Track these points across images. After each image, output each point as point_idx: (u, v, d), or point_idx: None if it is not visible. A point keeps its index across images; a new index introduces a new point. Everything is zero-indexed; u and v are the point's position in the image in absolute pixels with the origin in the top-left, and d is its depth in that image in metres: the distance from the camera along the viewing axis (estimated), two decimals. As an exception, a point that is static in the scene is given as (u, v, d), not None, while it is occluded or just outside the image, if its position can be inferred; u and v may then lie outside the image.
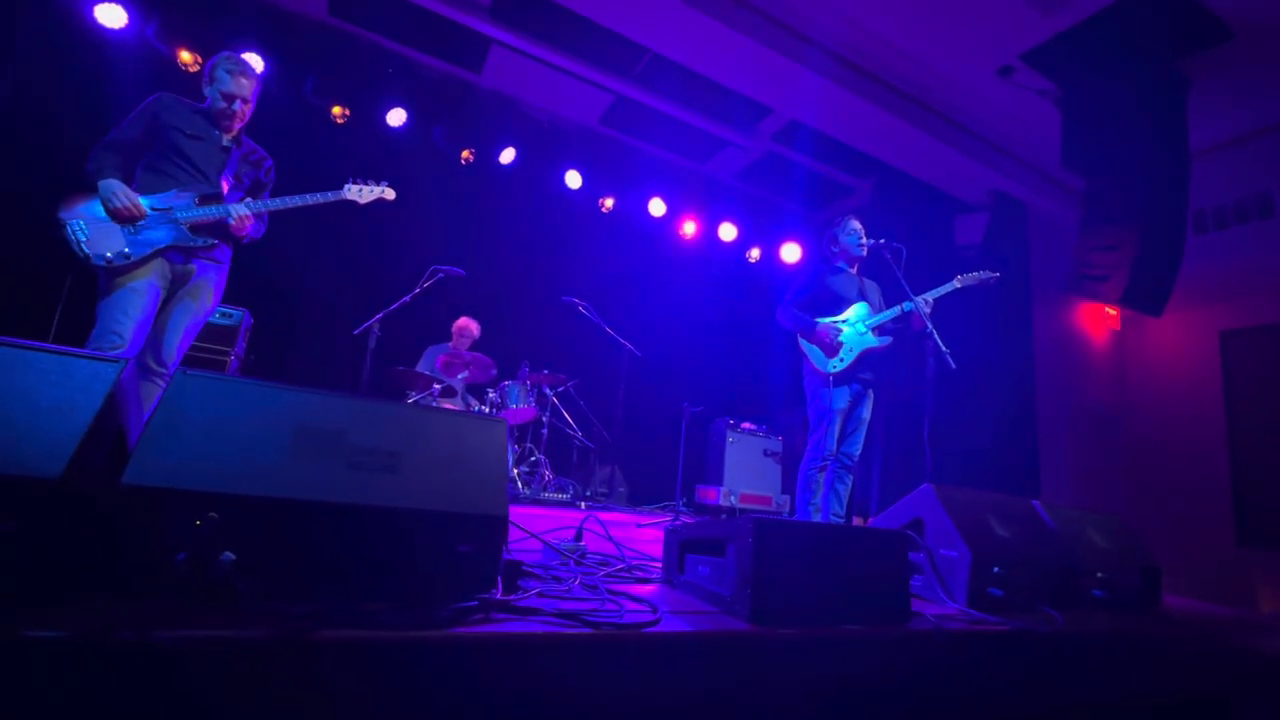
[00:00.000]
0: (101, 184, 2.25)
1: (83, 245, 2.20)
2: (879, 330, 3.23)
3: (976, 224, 5.58)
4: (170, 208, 2.35)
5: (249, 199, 2.59)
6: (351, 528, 1.02)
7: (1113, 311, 5.89)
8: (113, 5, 4.17)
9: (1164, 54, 3.96)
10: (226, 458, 1.00)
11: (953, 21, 4.19)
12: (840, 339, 3.20)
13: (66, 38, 4.24)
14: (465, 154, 5.39)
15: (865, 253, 3.42)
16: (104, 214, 2.24)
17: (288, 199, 2.56)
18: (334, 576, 1.03)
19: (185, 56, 4.44)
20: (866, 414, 3.25)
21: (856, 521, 5.01)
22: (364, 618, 0.92)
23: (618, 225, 6.32)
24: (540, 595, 1.18)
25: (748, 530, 1.27)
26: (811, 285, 3.44)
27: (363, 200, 2.84)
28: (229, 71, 2.51)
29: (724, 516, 3.54)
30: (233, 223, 2.44)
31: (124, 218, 2.25)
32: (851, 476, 3.21)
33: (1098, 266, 3.93)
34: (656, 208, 6.12)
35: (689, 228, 6.44)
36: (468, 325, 4.98)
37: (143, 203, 2.29)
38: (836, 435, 3.15)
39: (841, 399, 3.16)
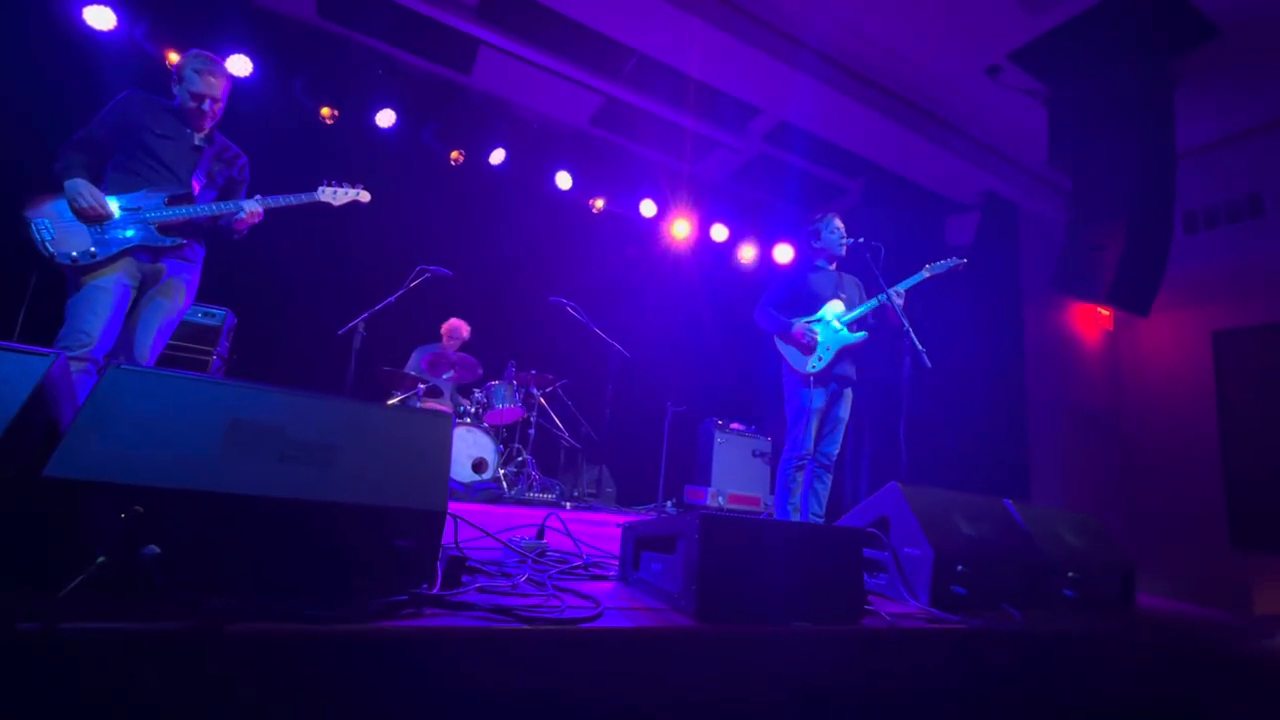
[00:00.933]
0: (68, 183, 2.24)
1: (47, 244, 2.19)
2: (855, 325, 3.21)
3: (967, 224, 5.56)
4: (139, 208, 2.34)
5: (227, 198, 2.58)
6: (282, 522, 1.02)
7: (1105, 311, 5.86)
8: (102, 7, 4.19)
9: (1151, 53, 3.94)
10: (156, 451, 0.99)
11: (940, 21, 4.18)
12: (816, 338, 3.19)
13: (55, 40, 4.26)
14: (455, 155, 5.40)
15: (845, 251, 3.41)
16: (70, 213, 2.23)
17: (271, 198, 2.58)
18: (266, 571, 1.02)
19: (174, 58, 4.44)
20: (844, 413, 3.24)
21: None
22: (286, 611, 0.91)
23: (608, 226, 6.32)
24: (480, 590, 1.18)
25: (695, 526, 1.26)
26: (789, 285, 3.44)
27: (336, 202, 2.84)
28: (197, 71, 2.49)
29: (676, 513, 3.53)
30: (243, 217, 2.49)
31: (90, 217, 2.24)
32: (830, 476, 3.19)
33: (1084, 266, 3.91)
34: (648, 209, 6.12)
35: (680, 229, 6.44)
36: (457, 326, 4.98)
37: (110, 202, 2.28)
38: (814, 434, 3.15)
39: (819, 399, 3.16)
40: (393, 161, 5.24)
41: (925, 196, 5.59)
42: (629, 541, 1.56)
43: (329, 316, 4.30)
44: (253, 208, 2.51)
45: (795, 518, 3.09)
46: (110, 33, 4.30)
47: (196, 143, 2.52)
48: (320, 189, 2.80)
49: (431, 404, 4.47)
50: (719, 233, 6.52)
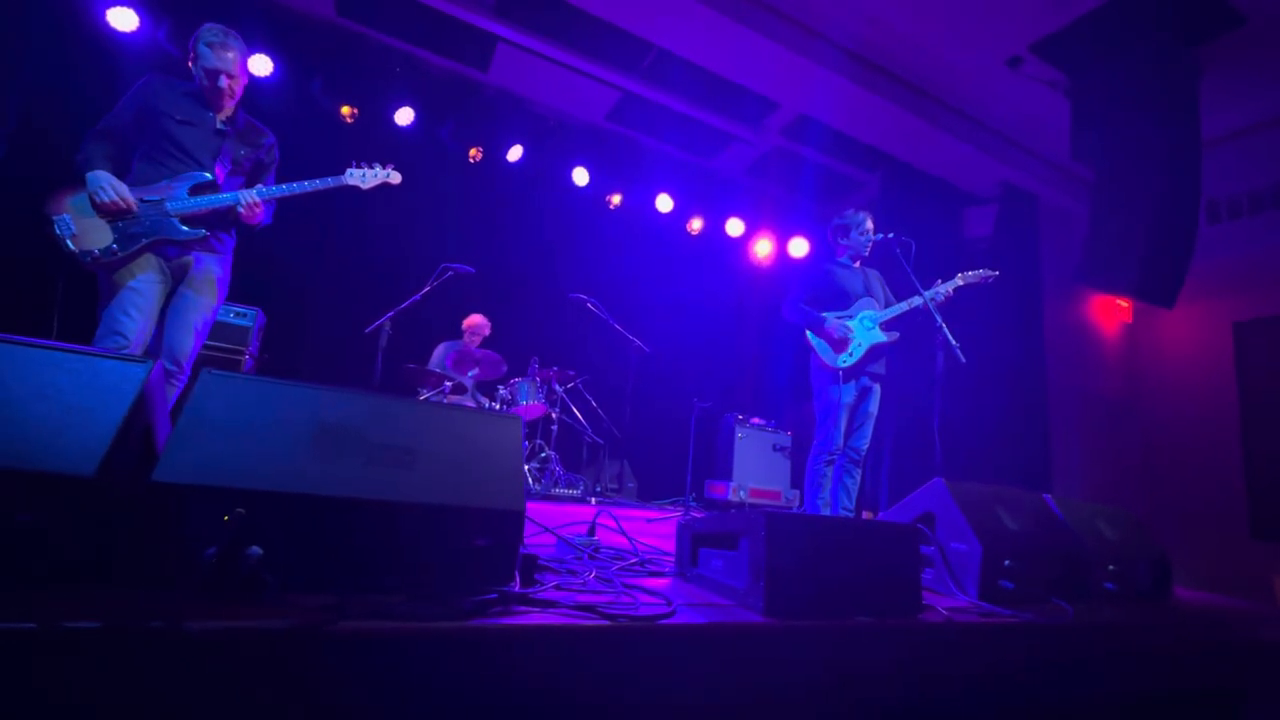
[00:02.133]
0: (90, 176, 2.15)
1: (68, 242, 2.11)
2: (886, 325, 3.23)
3: (986, 216, 5.55)
4: (161, 199, 2.24)
5: (260, 185, 2.48)
6: (371, 522, 1.05)
7: (1124, 303, 5.84)
8: (124, 9, 4.21)
9: (1174, 42, 3.92)
10: (251, 455, 1.02)
11: (961, 12, 4.16)
12: (850, 334, 3.20)
13: (79, 41, 4.29)
14: (473, 152, 5.42)
15: (869, 252, 3.45)
16: (91, 208, 2.14)
17: (290, 185, 2.45)
18: (355, 570, 1.05)
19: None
20: (874, 408, 3.25)
21: (866, 515, 5.02)
22: (383, 609, 0.94)
23: (625, 221, 6.32)
24: (557, 588, 1.21)
25: (760, 524, 1.28)
26: (817, 280, 3.44)
27: (365, 185, 2.68)
28: (209, 45, 2.34)
29: (734, 511, 3.56)
30: (243, 211, 2.33)
31: (111, 211, 2.15)
32: (860, 470, 3.21)
33: (1108, 258, 3.90)
34: (664, 204, 6.12)
35: (696, 223, 6.44)
36: (479, 322, 5.01)
37: (131, 196, 2.19)
38: (843, 429, 3.16)
39: (849, 394, 3.17)
40: (412, 160, 5.21)
41: (943, 189, 5.58)
42: (685, 538, 1.59)
43: (354, 315, 4.34)
44: (248, 198, 2.33)
45: (825, 513, 3.11)
46: (133, 34, 4.32)
47: (218, 126, 2.40)
48: (348, 172, 2.65)
49: (456, 401, 4.51)
50: (735, 227, 6.52)
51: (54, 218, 2.14)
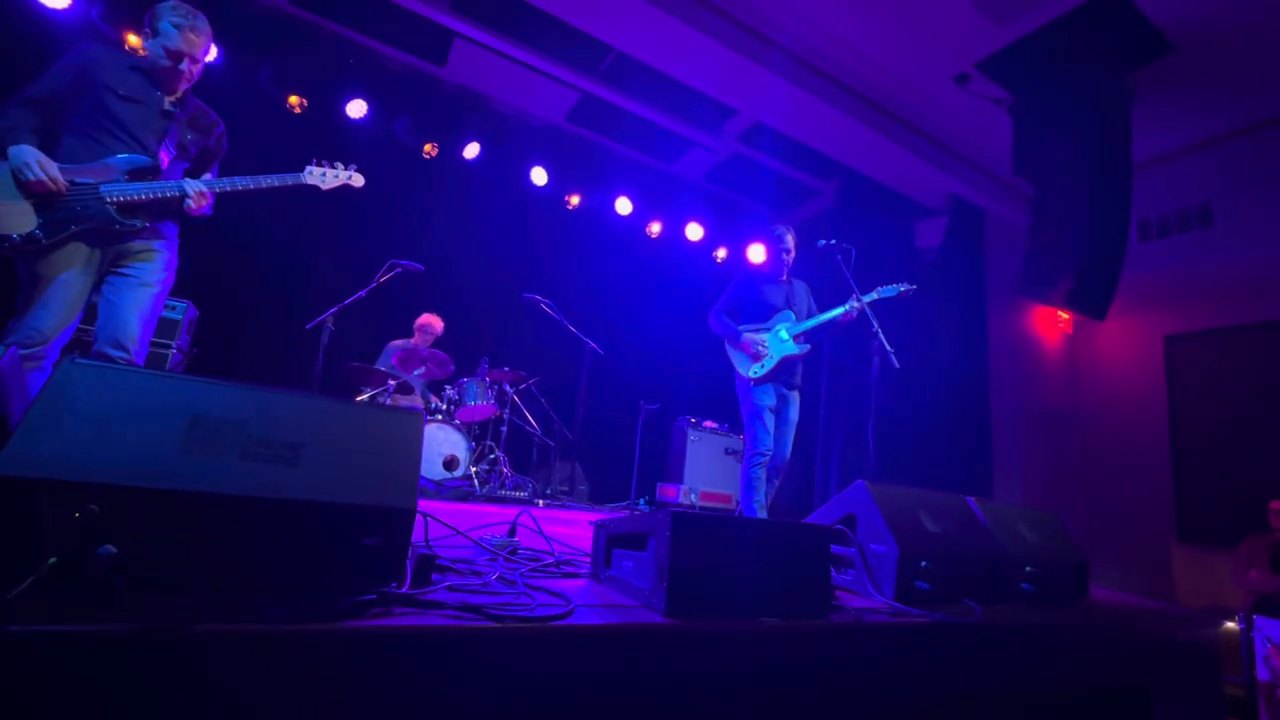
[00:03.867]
0: (12, 150, 1.93)
1: None
2: (802, 337, 3.39)
3: (936, 228, 5.70)
4: (95, 182, 2.04)
5: (207, 175, 2.31)
6: (244, 520, 1.00)
7: (1065, 315, 6.06)
8: (54, -16, 4.02)
9: (1109, 65, 4.09)
10: (112, 449, 0.96)
11: (911, 28, 4.27)
12: (762, 348, 3.36)
13: (7, 20, 4.08)
14: (428, 148, 5.33)
15: (789, 264, 3.65)
16: (13, 187, 1.93)
17: (241, 179, 2.28)
18: (229, 571, 1.00)
19: (133, 40, 4.29)
20: (793, 415, 3.40)
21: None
22: (249, 611, 0.90)
23: (584, 223, 6.30)
24: (450, 589, 1.17)
25: (666, 523, 1.27)
26: (739, 292, 3.63)
27: (325, 185, 2.53)
28: (177, 26, 2.17)
29: (648, 511, 3.58)
30: (191, 203, 2.16)
31: (37, 191, 1.94)
32: (779, 476, 3.34)
33: (1044, 270, 4.04)
34: (623, 206, 6.12)
35: (655, 227, 6.46)
36: (430, 322, 4.92)
37: (62, 176, 1.98)
38: (771, 430, 3.28)
39: (768, 396, 3.32)
40: (364, 153, 5.09)
41: (896, 200, 5.71)
42: (601, 539, 1.57)
43: (296, 310, 4.21)
44: (196, 188, 2.15)
45: (762, 514, 3.16)
46: (64, 12, 4.13)
47: (167, 107, 2.21)
48: (307, 170, 2.49)
49: (402, 400, 4.41)
50: (694, 231, 6.56)
51: None
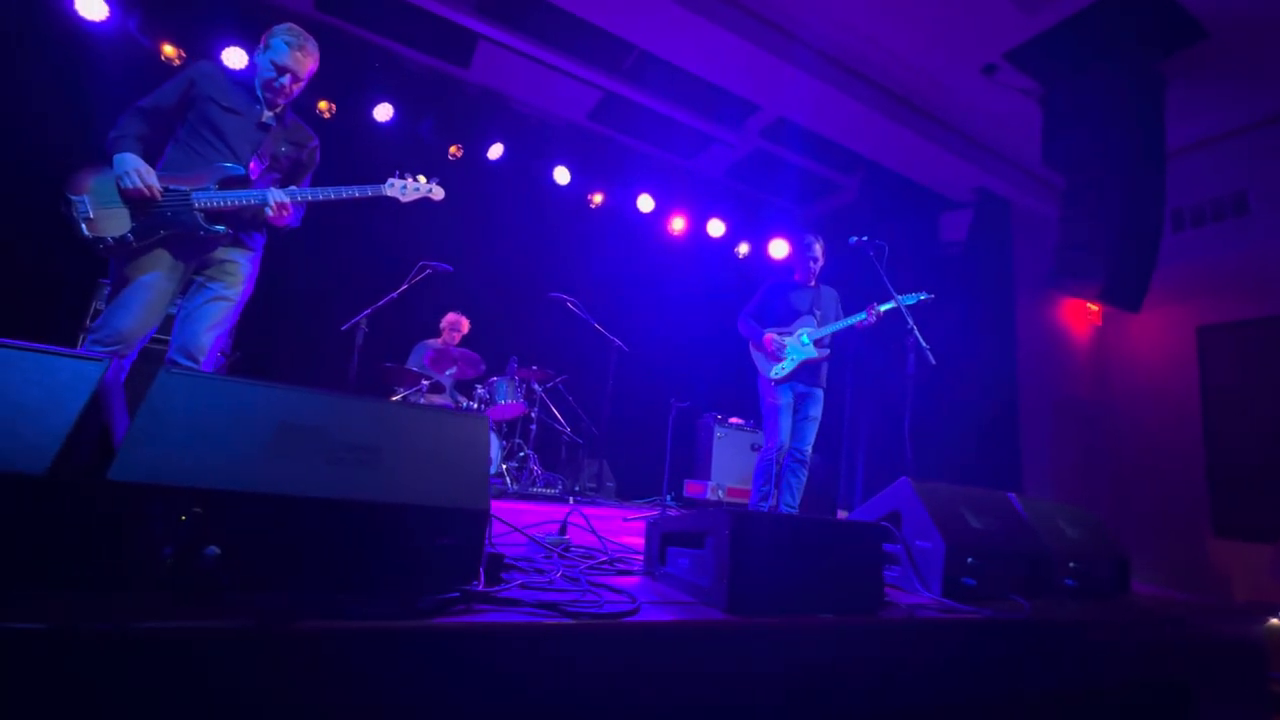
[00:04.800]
0: (117, 157, 2.05)
1: (82, 226, 2.01)
2: (822, 343, 3.53)
3: (961, 221, 5.65)
4: (188, 190, 2.13)
5: (292, 185, 2.38)
6: (332, 522, 1.05)
7: (1094, 307, 5.98)
8: (93, -2, 4.12)
9: (1142, 53, 4.02)
10: (210, 454, 1.01)
11: (938, 20, 4.23)
12: (783, 349, 3.51)
13: (47, 31, 4.19)
14: (453, 149, 5.39)
15: (816, 271, 3.75)
16: (115, 191, 2.04)
17: (323, 190, 2.35)
18: (316, 570, 1.05)
19: (169, 50, 4.40)
20: (815, 412, 3.53)
21: (840, 514, 5.08)
22: (343, 609, 0.94)
23: (606, 221, 6.33)
24: (522, 587, 1.21)
25: (725, 522, 1.30)
26: (766, 297, 3.78)
27: (405, 198, 2.59)
28: (288, 43, 2.31)
29: (703, 510, 3.66)
30: (271, 211, 2.22)
31: (134, 198, 2.05)
32: (805, 470, 3.46)
33: (1076, 263, 4.00)
34: (645, 204, 6.14)
35: (677, 224, 6.47)
36: (457, 320, 4.99)
37: (158, 184, 2.09)
38: (787, 428, 3.44)
39: (785, 395, 3.48)
40: (391, 156, 5.20)
41: (920, 193, 5.67)
42: (654, 537, 1.60)
43: (329, 312, 4.29)
44: (277, 198, 2.21)
45: (763, 506, 3.26)
46: (102, 24, 4.24)
47: (264, 120, 2.32)
48: (389, 182, 2.53)
49: (434, 400, 4.48)
50: (715, 228, 6.56)
51: (72, 198, 2.03)
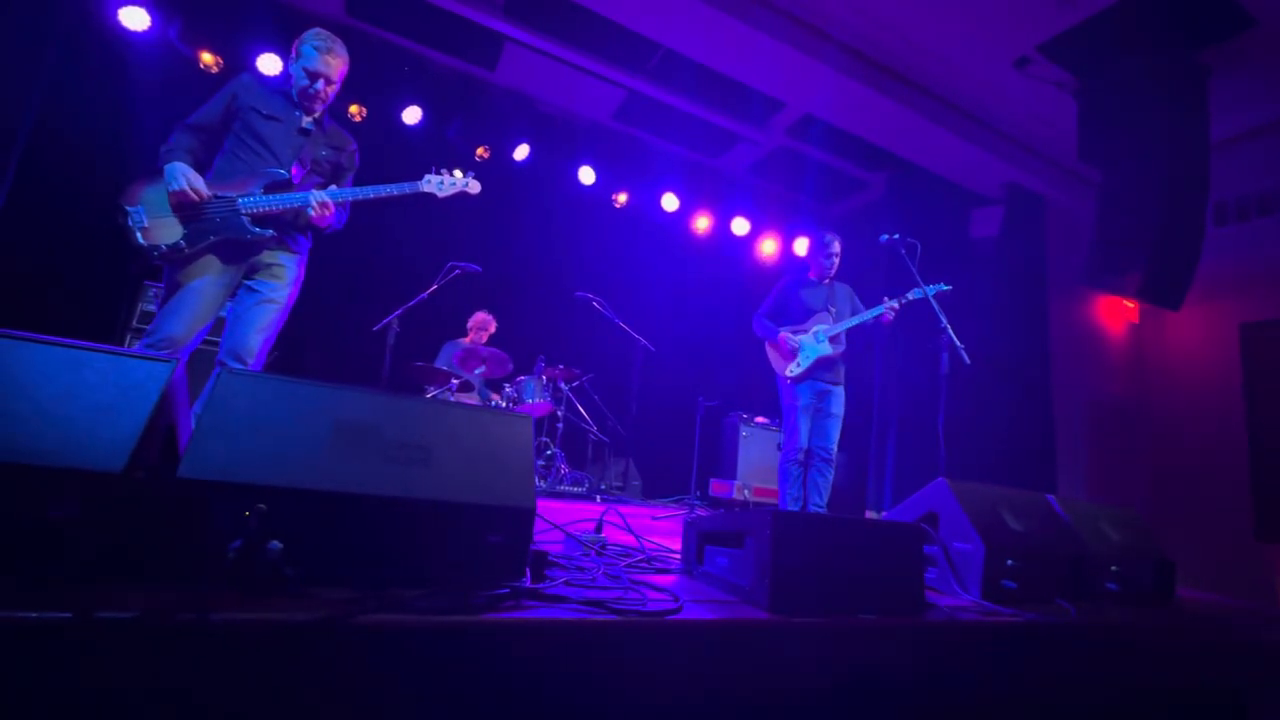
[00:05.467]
0: (168, 167, 2.14)
1: (137, 234, 2.10)
2: (838, 339, 3.52)
3: (992, 217, 5.54)
4: (234, 196, 2.21)
5: (332, 185, 2.44)
6: (388, 518, 1.08)
7: (1130, 304, 5.83)
8: (136, 8, 4.25)
9: (1183, 43, 3.91)
10: (271, 452, 1.05)
11: (969, 13, 4.16)
12: (798, 347, 3.49)
13: (93, 40, 4.34)
14: (480, 151, 5.45)
15: (833, 269, 3.74)
16: (165, 202, 2.14)
17: (363, 190, 2.40)
18: (371, 564, 1.08)
19: (207, 58, 4.52)
20: (836, 409, 3.50)
21: (869, 514, 5.04)
22: (400, 603, 0.97)
23: (631, 220, 6.35)
24: (567, 584, 1.23)
25: (766, 523, 1.31)
26: (781, 295, 3.77)
27: (442, 194, 2.62)
28: (316, 48, 2.37)
29: (739, 510, 3.64)
30: (313, 212, 2.28)
31: (183, 202, 2.14)
32: (831, 469, 3.43)
33: (1115, 260, 3.90)
34: (670, 203, 6.14)
35: (702, 222, 6.46)
36: (485, 320, 5.05)
37: (205, 189, 2.17)
38: (806, 430, 3.43)
39: (804, 396, 3.46)
40: (419, 158, 5.23)
41: (949, 189, 5.58)
42: (691, 536, 1.61)
43: (362, 313, 4.38)
44: (319, 198, 2.27)
45: (794, 508, 3.23)
46: (144, 33, 4.37)
47: (304, 125, 2.39)
48: (426, 178, 2.57)
49: (463, 399, 4.54)
50: (740, 226, 6.54)
51: (128, 209, 2.13)
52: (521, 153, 5.48)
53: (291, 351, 4.55)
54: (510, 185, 5.82)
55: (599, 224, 6.24)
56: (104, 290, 4.28)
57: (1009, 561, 1.75)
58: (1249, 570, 5.08)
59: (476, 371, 4.64)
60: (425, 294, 4.13)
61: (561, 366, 4.78)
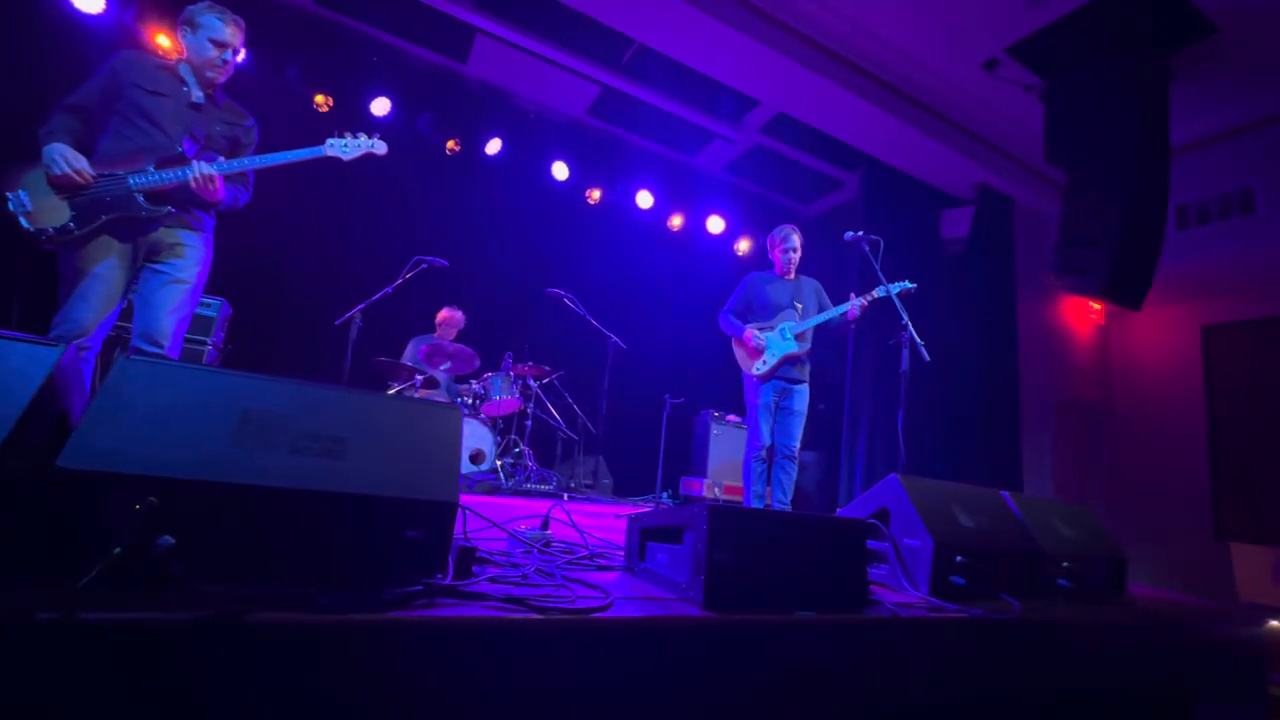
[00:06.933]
0: (45, 149, 2.06)
1: (22, 219, 2.02)
2: (804, 336, 3.51)
3: (962, 217, 5.59)
4: (124, 174, 2.12)
5: (215, 161, 2.33)
6: (295, 512, 1.02)
7: (1097, 306, 5.92)
8: (90, -11, 4.11)
9: (1147, 48, 3.97)
10: (169, 442, 0.99)
11: (939, 13, 4.19)
12: (764, 344, 3.47)
13: (42, 22, 4.18)
14: (451, 144, 5.37)
15: (795, 263, 3.75)
16: (48, 184, 2.05)
17: (259, 158, 2.32)
18: (279, 562, 1.02)
19: (165, 43, 4.39)
20: (800, 406, 3.50)
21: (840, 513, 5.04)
22: (301, 600, 0.92)
23: (605, 217, 6.30)
24: (491, 581, 1.19)
25: (703, 517, 1.27)
26: (746, 292, 3.75)
27: (348, 156, 2.55)
28: (220, 19, 2.30)
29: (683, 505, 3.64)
30: (193, 184, 2.18)
31: (66, 185, 2.05)
32: (794, 465, 3.43)
33: (1078, 260, 3.95)
34: (644, 200, 6.11)
35: (677, 220, 6.44)
36: (451, 316, 4.97)
37: (89, 169, 2.08)
38: (769, 427, 3.43)
39: (768, 395, 3.45)
40: (388, 150, 5.20)
41: (921, 190, 5.62)
42: (634, 532, 1.57)
43: (324, 306, 4.28)
44: (203, 171, 2.17)
45: (757, 505, 3.22)
46: (98, 16, 4.23)
47: (194, 99, 2.30)
48: (329, 142, 2.49)
49: (428, 395, 4.46)
50: (715, 224, 6.53)
51: (7, 194, 2.04)
52: (494, 146, 5.42)
53: (251, 345, 4.44)
54: (482, 180, 5.74)
55: (572, 220, 6.19)
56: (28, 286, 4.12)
57: (958, 558, 1.74)
58: (1211, 569, 5.18)
59: (442, 368, 4.56)
60: (390, 288, 4.05)
61: (531, 363, 4.71)
